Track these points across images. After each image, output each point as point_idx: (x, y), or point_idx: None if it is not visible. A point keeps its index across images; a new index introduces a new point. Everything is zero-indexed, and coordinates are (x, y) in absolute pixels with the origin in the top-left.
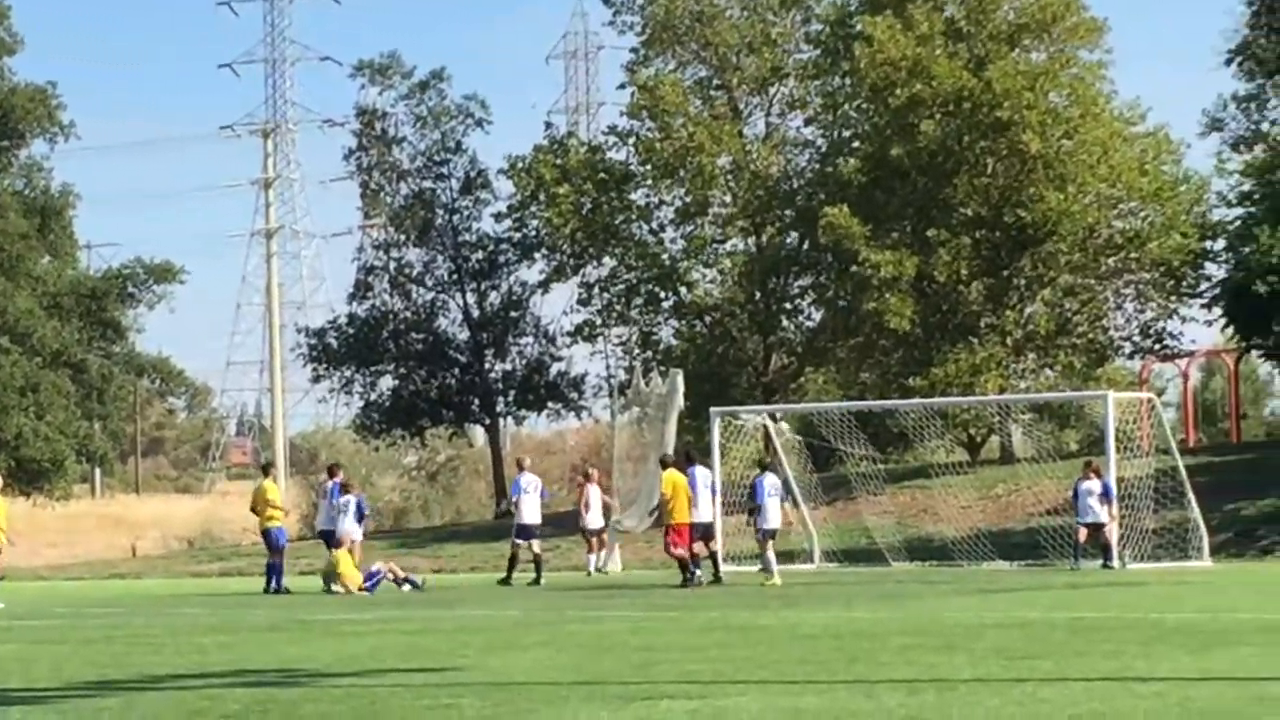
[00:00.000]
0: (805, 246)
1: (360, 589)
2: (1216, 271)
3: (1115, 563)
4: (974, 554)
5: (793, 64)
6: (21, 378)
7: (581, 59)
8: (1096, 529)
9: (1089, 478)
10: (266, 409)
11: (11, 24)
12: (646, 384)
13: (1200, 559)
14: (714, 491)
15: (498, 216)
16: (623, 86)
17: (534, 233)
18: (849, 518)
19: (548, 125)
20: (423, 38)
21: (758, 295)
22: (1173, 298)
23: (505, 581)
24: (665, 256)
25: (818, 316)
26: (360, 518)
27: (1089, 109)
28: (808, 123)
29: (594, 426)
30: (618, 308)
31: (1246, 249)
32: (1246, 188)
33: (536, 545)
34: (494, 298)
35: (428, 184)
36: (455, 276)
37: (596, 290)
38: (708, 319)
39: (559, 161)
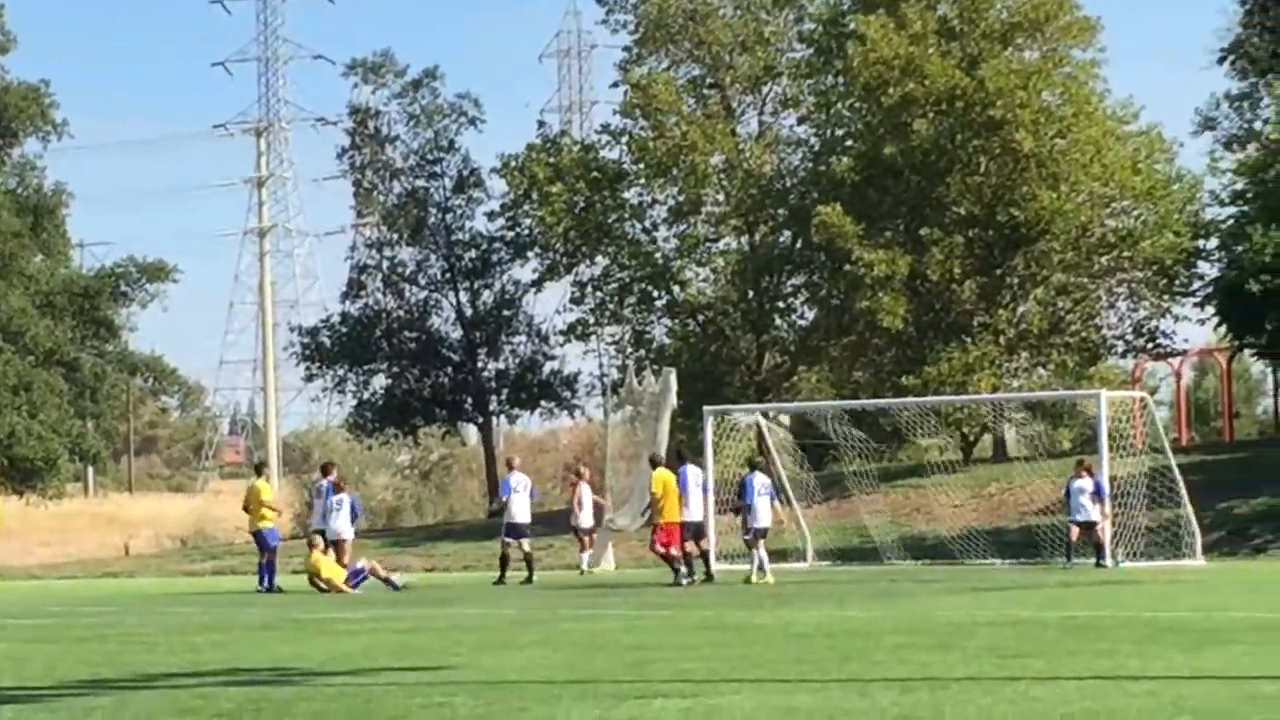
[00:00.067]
0: (798, 245)
1: (347, 587)
2: (1209, 270)
3: (1108, 561)
4: (967, 552)
5: (786, 63)
6: (14, 376)
7: (574, 58)
8: (1089, 527)
9: (1081, 476)
10: (259, 408)
11: (4, 23)
12: (639, 383)
13: (1193, 558)
14: (705, 490)
15: (491, 215)
16: (616, 85)
17: (527, 231)
18: (842, 516)
19: (541, 124)
20: (415, 36)
21: (751, 294)
22: (1165, 296)
23: (500, 581)
24: (658, 255)
25: (811, 315)
26: (354, 517)
27: (1082, 108)
28: (801, 121)
29: (587, 425)
30: (610, 306)
31: (1239, 248)
32: (1239, 186)
33: (526, 544)
34: (487, 296)
35: (421, 183)
36: (448, 275)
37: (589, 289)
38: (701, 318)
39: (552, 160)
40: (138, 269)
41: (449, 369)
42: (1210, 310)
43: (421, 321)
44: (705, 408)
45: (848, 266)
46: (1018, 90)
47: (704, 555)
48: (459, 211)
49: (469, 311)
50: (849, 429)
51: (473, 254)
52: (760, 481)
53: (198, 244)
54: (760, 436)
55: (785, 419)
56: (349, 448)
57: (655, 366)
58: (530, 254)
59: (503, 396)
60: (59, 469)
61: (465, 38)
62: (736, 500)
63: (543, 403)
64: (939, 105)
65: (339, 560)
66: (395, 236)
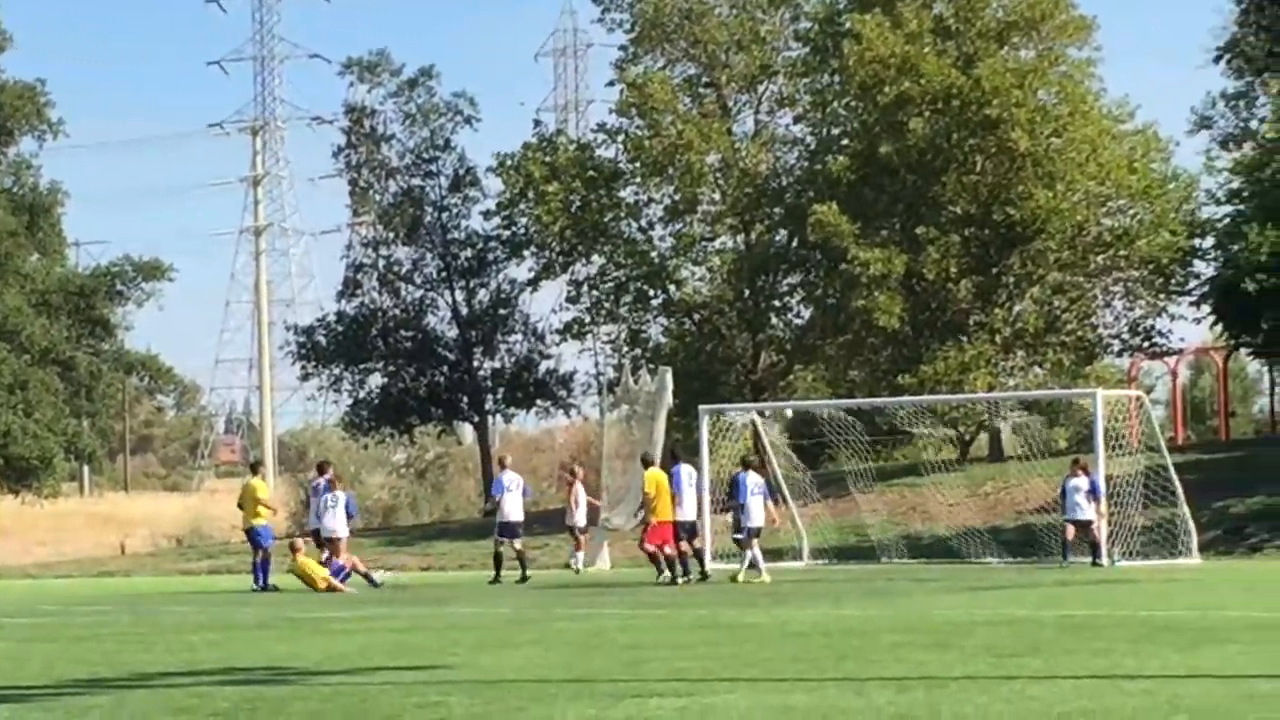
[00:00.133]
0: (794, 244)
1: (333, 587)
2: (1205, 269)
3: (1104, 560)
4: (964, 551)
5: (782, 62)
6: (10, 375)
7: (570, 56)
8: (1084, 526)
9: (1077, 475)
10: (255, 407)
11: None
12: (635, 382)
13: (1189, 557)
14: (699, 489)
15: (486, 214)
16: (612, 84)
17: (523, 230)
18: (838, 515)
19: (537, 123)
20: (411, 35)
21: (747, 293)
22: (1161, 295)
23: (495, 581)
24: (654, 254)
25: (807, 314)
26: (349, 516)
27: (1078, 107)
28: (797, 120)
29: (583, 424)
30: (606, 305)
31: (1235, 247)
32: (1235, 185)
33: (518, 543)
34: (483, 295)
35: (416, 181)
36: (444, 274)
37: (585, 288)
38: (696, 317)
39: (548, 159)
40: (133, 268)
41: (445, 368)
42: (1206, 309)
43: (417, 320)
44: (701, 407)
45: (843, 265)
46: (1013, 89)
47: (697, 554)
48: (455, 210)
49: (465, 310)
50: (849, 427)
51: (468, 253)
52: (753, 481)
53: (193, 243)
54: (756, 436)
55: (789, 412)
56: (345, 446)
57: (651, 365)
58: (526, 253)
59: (498, 395)
60: (55, 468)
61: (461, 37)
62: (726, 499)
63: (538, 402)
64: (935, 104)
65: (335, 557)
66: (391, 235)
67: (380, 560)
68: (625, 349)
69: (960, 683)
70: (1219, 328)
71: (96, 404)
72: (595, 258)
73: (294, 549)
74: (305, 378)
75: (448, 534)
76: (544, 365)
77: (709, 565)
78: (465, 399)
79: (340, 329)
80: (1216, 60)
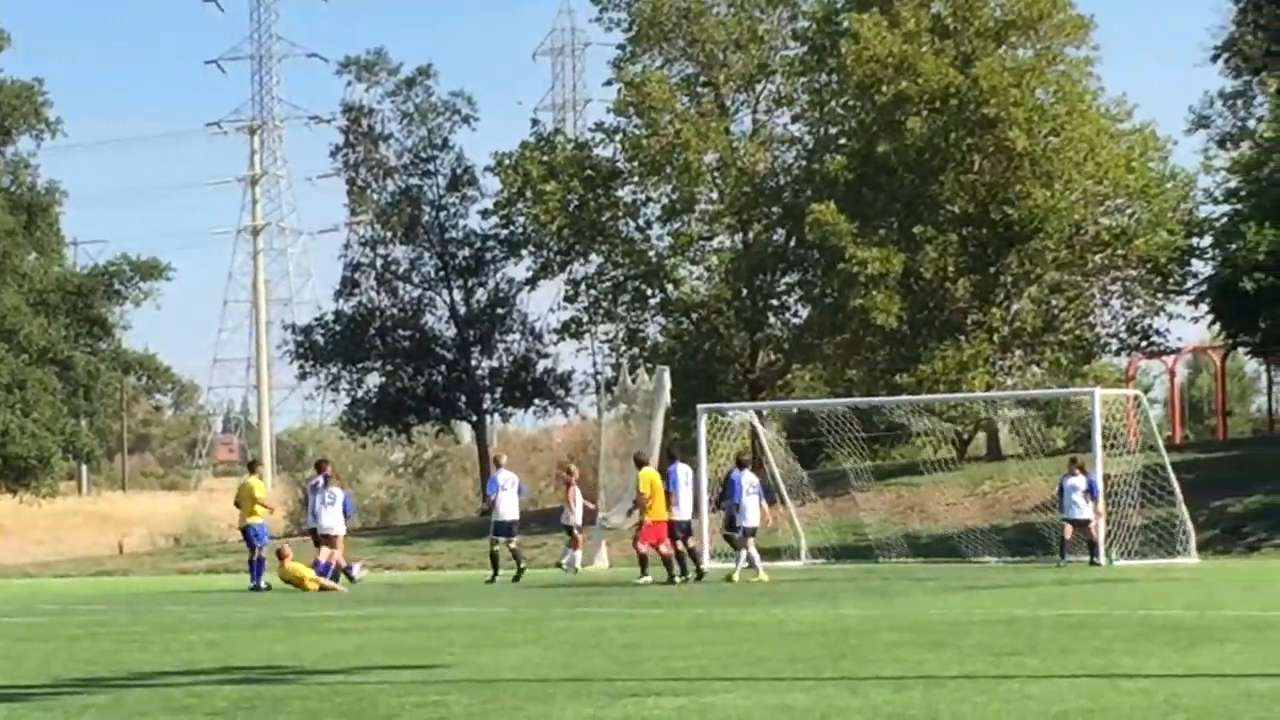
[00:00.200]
0: (792, 243)
1: (325, 586)
2: (1203, 268)
3: (1102, 559)
4: (962, 550)
5: (779, 61)
6: (8, 375)
7: (568, 56)
8: (1082, 525)
9: (1075, 474)
10: (253, 406)
11: None
12: (633, 381)
13: (1187, 556)
14: (696, 488)
15: (484, 213)
16: (609, 83)
17: (521, 229)
18: (837, 514)
19: (534, 122)
20: (409, 34)
21: (744, 292)
22: (1159, 294)
23: (492, 580)
24: (652, 253)
25: (804, 313)
26: (346, 515)
27: (1075, 106)
28: (794, 120)
29: (581, 424)
30: (604, 305)
31: (1233, 246)
32: (1233, 184)
33: (514, 542)
34: (481, 294)
35: (414, 181)
36: (442, 273)
37: (583, 287)
38: (694, 316)
39: (546, 158)
40: (131, 267)
41: (443, 367)
42: (1204, 308)
43: (415, 319)
44: (699, 406)
45: (841, 264)
46: (1011, 88)
47: (691, 553)
48: (453, 210)
49: (463, 310)
50: (848, 425)
51: (466, 252)
52: (749, 480)
53: (191, 242)
54: (754, 435)
55: (775, 425)
56: (343, 446)
57: (649, 365)
58: (524, 252)
59: (496, 395)
60: (53, 467)
61: (459, 36)
62: (719, 499)
63: (536, 401)
64: (933, 103)
65: (333, 554)
66: (389, 234)
67: (379, 560)
68: (623, 348)
69: (958, 682)
70: (1216, 327)
71: (94, 403)
72: (593, 257)
73: (281, 555)
74: (303, 377)
75: (445, 533)
76: (542, 364)
77: (711, 565)
78: (463, 398)
79: (338, 328)
80: (1214, 59)
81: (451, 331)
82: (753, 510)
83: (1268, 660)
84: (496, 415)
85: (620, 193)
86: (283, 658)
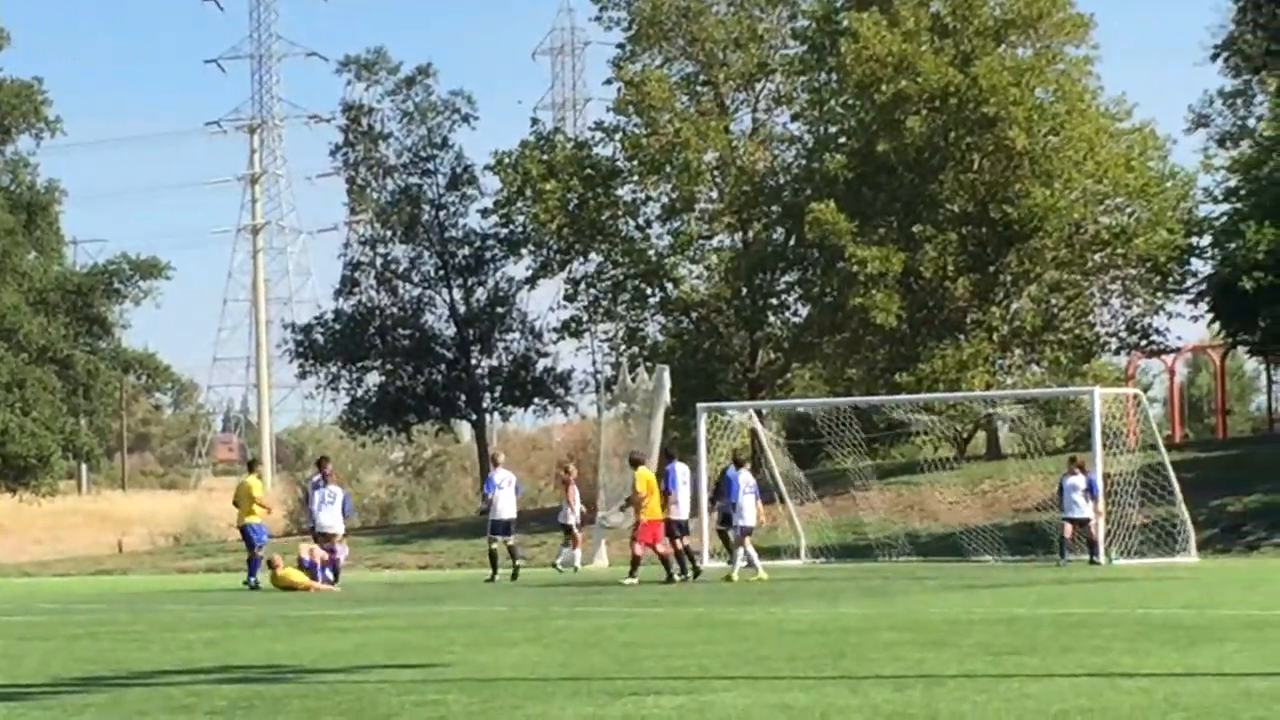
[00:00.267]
0: (792, 242)
1: (318, 587)
2: (1203, 267)
3: (1101, 558)
4: (962, 549)
5: (779, 60)
6: (7, 374)
7: (568, 55)
8: (1081, 524)
9: (1074, 473)
10: (253, 405)
11: None
12: (633, 380)
13: (1186, 555)
14: (695, 488)
15: (484, 212)
16: (609, 82)
17: (520, 228)
18: (836, 513)
19: (534, 121)
20: (409, 33)
21: (744, 291)
22: (1159, 293)
23: (491, 579)
24: (652, 252)
25: (804, 312)
26: (345, 514)
27: (1075, 105)
28: (794, 118)
29: (580, 423)
30: (604, 304)
31: (1232, 245)
32: (1232, 183)
33: (511, 540)
34: (480, 293)
35: (414, 180)
36: (442, 272)
37: (583, 286)
38: (694, 315)
39: (545, 157)
40: (131, 266)
41: (442, 366)
42: (1203, 307)
43: (415, 318)
44: (698, 405)
45: (841, 263)
46: (1011, 87)
47: (688, 552)
48: (452, 209)
49: (462, 309)
50: (848, 425)
51: (466, 251)
52: (745, 480)
53: (191, 241)
54: (754, 433)
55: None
56: (342, 445)
57: (649, 364)
58: (524, 251)
59: (496, 394)
60: (52, 466)
61: (458, 35)
62: (713, 497)
63: (536, 400)
64: (932, 102)
65: (332, 551)
66: (389, 233)
67: (378, 560)
68: (623, 347)
69: (957, 681)
70: (1216, 326)
71: (94, 402)
72: (593, 256)
73: (272, 565)
74: (303, 376)
75: (445, 532)
76: (541, 363)
77: (710, 565)
78: (463, 397)
79: (338, 327)
80: (1214, 58)
81: (451, 330)
82: (750, 510)
83: (1267, 659)
84: (496, 414)
85: (620, 192)
86: (282, 657)
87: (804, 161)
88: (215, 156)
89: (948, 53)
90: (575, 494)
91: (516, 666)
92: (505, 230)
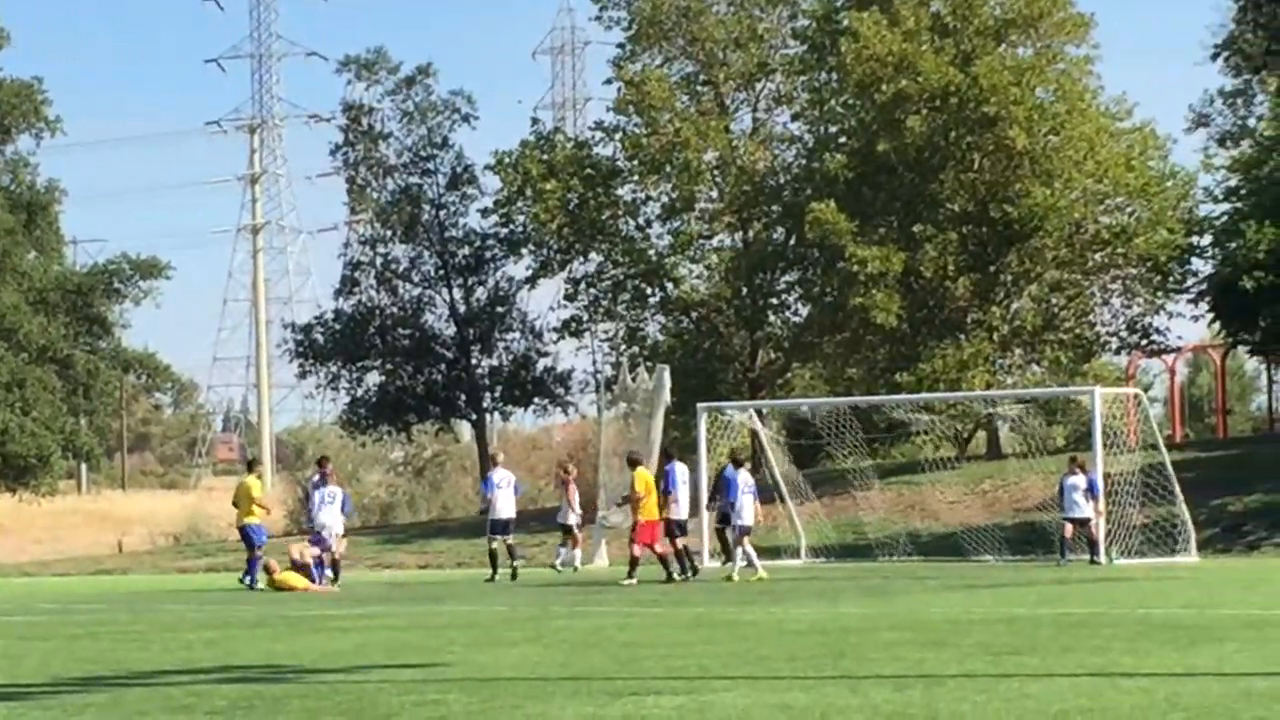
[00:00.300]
0: (792, 242)
1: (315, 588)
2: (1203, 267)
3: (1102, 558)
4: (962, 549)
5: (779, 59)
6: (7, 373)
7: (568, 54)
8: (1082, 524)
9: (1075, 473)
10: (253, 405)
11: None
12: (633, 380)
13: (1187, 554)
14: (694, 488)
15: (484, 212)
16: (609, 82)
17: (520, 228)
18: (836, 513)
19: (534, 121)
20: (409, 33)
21: (744, 291)
22: (1159, 293)
23: (491, 579)
24: (652, 252)
25: (804, 312)
26: (344, 514)
27: (1075, 104)
28: (794, 118)
29: (580, 422)
30: (604, 303)
31: (1233, 244)
32: (1233, 183)
33: (510, 539)
34: (480, 293)
35: (414, 179)
36: (442, 272)
37: (583, 286)
38: (694, 314)
39: (545, 157)
40: (131, 266)
41: (442, 366)
42: (1204, 307)
43: (415, 318)
44: (699, 405)
45: (841, 263)
46: (1011, 87)
47: (686, 552)
48: (452, 208)
49: (462, 308)
50: (848, 425)
51: (466, 251)
52: (744, 479)
53: (191, 241)
54: (754, 434)
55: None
56: (342, 445)
57: (649, 363)
58: (524, 251)
59: (496, 393)
60: (52, 466)
61: (459, 35)
62: (711, 496)
63: (536, 400)
64: (932, 102)
65: (333, 550)
66: (389, 233)
67: (378, 559)
68: (623, 347)
69: (957, 681)
70: (1216, 325)
71: (94, 402)
72: (593, 255)
73: (269, 570)
74: (303, 376)
75: (445, 532)
76: (542, 363)
77: (710, 565)
78: (463, 397)
79: (338, 327)
80: (1214, 58)
81: (451, 330)
82: (748, 509)
83: (1267, 659)
84: (496, 414)
85: (620, 191)
86: (282, 657)
87: (804, 161)
88: (215, 156)
89: (948, 52)
90: (575, 494)
91: (516, 666)
92: (505, 230)
